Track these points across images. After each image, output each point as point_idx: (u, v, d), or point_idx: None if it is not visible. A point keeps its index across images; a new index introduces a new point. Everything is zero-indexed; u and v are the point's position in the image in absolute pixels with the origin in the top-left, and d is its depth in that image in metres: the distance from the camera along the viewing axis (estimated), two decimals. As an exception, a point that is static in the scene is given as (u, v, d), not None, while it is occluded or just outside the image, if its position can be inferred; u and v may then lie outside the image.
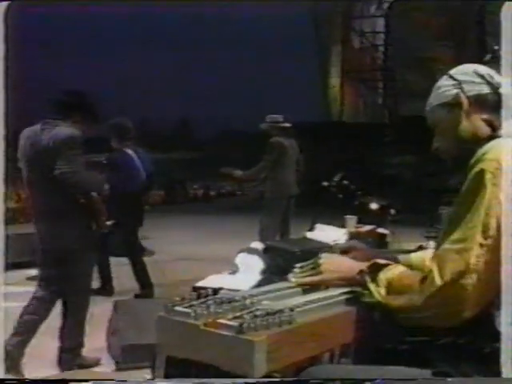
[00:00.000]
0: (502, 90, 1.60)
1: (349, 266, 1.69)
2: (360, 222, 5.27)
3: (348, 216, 5.13)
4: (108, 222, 3.95)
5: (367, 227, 5.28)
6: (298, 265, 1.74)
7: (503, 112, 1.57)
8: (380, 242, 5.36)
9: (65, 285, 3.72)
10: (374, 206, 6.00)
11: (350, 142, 15.25)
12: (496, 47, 4.37)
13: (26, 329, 3.63)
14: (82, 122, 3.75)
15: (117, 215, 5.21)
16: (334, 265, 1.70)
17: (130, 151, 5.65)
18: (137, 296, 5.55)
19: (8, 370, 3.34)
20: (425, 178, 12.38)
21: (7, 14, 1.54)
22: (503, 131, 1.58)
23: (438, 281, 1.43)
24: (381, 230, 5.53)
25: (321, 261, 1.70)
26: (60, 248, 3.65)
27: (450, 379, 1.45)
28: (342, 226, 5.02)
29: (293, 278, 1.71)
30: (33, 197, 3.77)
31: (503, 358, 1.35)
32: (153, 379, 1.90)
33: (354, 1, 18.56)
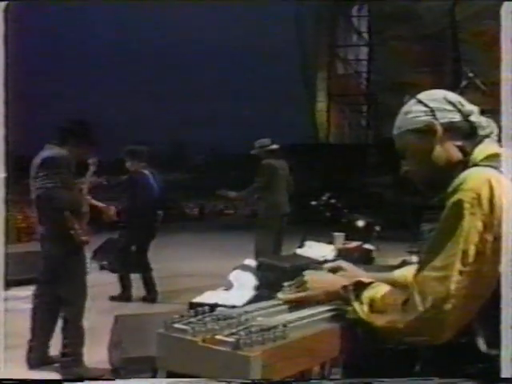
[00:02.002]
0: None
1: (332, 280, 1.68)
2: (347, 238, 5.28)
3: (336, 233, 5.14)
4: (84, 238, 3.98)
5: (354, 243, 5.29)
6: (287, 283, 1.72)
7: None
8: (366, 257, 5.37)
9: (58, 287, 3.98)
10: (360, 223, 6.03)
11: (336, 162, 15.29)
12: (471, 74, 4.40)
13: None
14: (76, 147, 3.93)
15: (134, 231, 5.95)
16: (318, 280, 1.68)
17: (146, 171, 6.10)
18: (143, 299, 6.21)
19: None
20: (407, 197, 12.41)
21: (7, 14, 1.52)
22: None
23: (420, 307, 1.42)
24: (367, 246, 5.54)
25: (305, 278, 1.68)
26: (51, 255, 3.93)
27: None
28: (331, 242, 5.03)
29: (281, 296, 1.69)
30: (36, 213, 4.06)
31: (503, 358, 1.35)
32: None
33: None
